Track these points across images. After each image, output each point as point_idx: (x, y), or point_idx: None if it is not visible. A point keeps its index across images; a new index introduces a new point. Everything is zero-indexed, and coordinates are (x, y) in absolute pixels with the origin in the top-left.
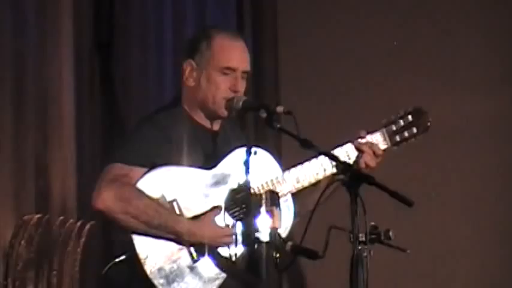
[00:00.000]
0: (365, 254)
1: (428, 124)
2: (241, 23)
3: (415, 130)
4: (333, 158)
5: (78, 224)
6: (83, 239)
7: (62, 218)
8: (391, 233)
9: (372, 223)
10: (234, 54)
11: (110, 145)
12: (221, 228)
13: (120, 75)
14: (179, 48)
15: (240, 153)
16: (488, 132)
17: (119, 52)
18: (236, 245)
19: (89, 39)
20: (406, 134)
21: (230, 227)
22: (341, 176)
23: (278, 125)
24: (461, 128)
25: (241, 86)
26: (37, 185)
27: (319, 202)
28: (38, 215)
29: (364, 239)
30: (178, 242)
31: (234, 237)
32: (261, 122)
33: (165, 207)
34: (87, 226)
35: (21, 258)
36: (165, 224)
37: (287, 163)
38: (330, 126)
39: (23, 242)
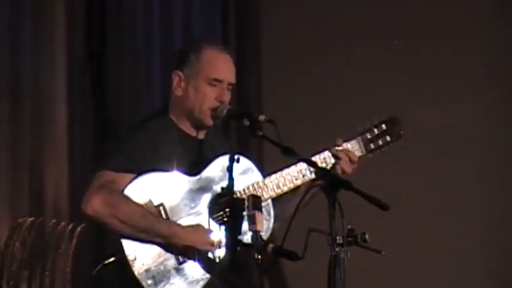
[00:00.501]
0: (342, 255)
1: (401, 132)
2: (226, 34)
3: (388, 138)
4: (312, 164)
5: (70, 226)
6: (74, 241)
7: (54, 220)
8: (367, 236)
9: (349, 226)
10: (221, 66)
11: (101, 150)
12: (207, 232)
13: (111, 82)
14: (167, 57)
15: (223, 160)
16: (469, 136)
17: (109, 60)
18: (220, 248)
19: (82, 48)
20: (380, 142)
21: (215, 232)
22: (320, 182)
23: (260, 133)
24: (441, 133)
25: (227, 96)
26: (31, 189)
27: (299, 207)
28: (32, 218)
29: (341, 241)
30: (166, 246)
31: (219, 241)
32: (244, 130)
33: (152, 211)
34: (79, 228)
35: (15, 259)
36: (152, 227)
37: (269, 169)
38: (310, 134)
39: (17, 244)
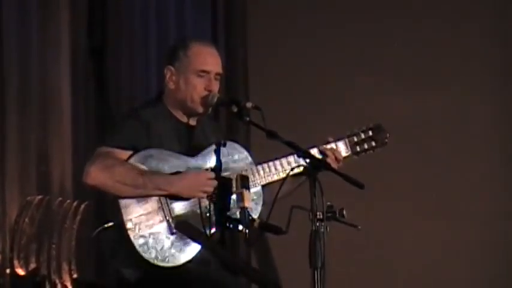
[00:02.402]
0: (322, 229)
1: (386, 140)
2: (215, 29)
3: (373, 144)
4: (296, 147)
5: (75, 204)
6: (78, 217)
7: (60, 199)
8: (344, 212)
9: (328, 203)
10: (207, 59)
11: (102, 136)
12: (201, 174)
13: (111, 75)
14: (162, 53)
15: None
16: (450, 126)
17: (110, 55)
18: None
19: (84, 44)
20: (365, 146)
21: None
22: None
23: (247, 118)
24: (417, 124)
25: (215, 86)
26: (39, 170)
27: (278, 193)
28: (40, 197)
29: (321, 217)
30: (162, 207)
31: (212, 182)
32: (233, 116)
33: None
34: (83, 206)
35: (24, 234)
36: (150, 181)
37: (255, 151)
38: (295, 120)
39: (26, 220)
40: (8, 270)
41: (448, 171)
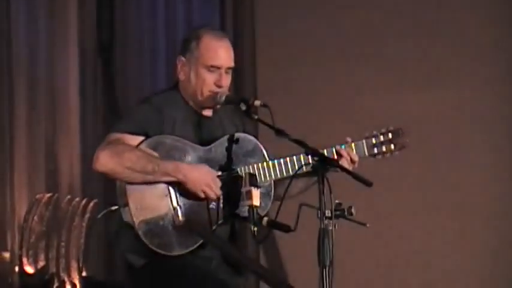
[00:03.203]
0: (331, 227)
1: (405, 146)
2: (223, 24)
3: (392, 147)
4: (304, 145)
5: (83, 202)
6: (87, 215)
7: (69, 196)
8: (353, 210)
9: (337, 201)
10: (218, 53)
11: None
12: (210, 173)
13: (119, 73)
14: (170, 50)
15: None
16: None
17: (118, 53)
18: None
19: (93, 42)
20: (383, 148)
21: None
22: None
23: (256, 116)
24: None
25: (226, 81)
26: (47, 168)
27: (287, 191)
28: (48, 194)
29: (330, 214)
30: (170, 194)
31: (216, 189)
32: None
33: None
34: (91, 204)
35: (34, 231)
36: (158, 167)
37: (264, 149)
38: (303, 118)
39: (35, 218)
40: (16, 268)
41: (458, 169)
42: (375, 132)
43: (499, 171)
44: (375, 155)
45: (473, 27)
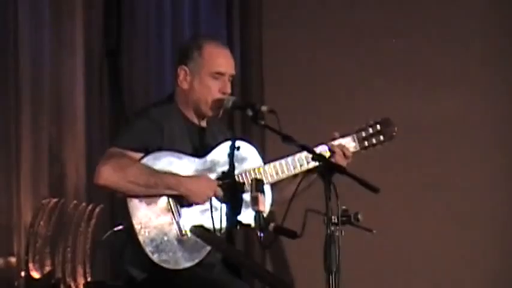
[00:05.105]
0: (337, 233)
1: (394, 134)
2: (230, 30)
3: (381, 138)
4: (311, 151)
5: (89, 207)
6: (93, 220)
7: (75, 202)
8: (359, 216)
9: (343, 207)
10: (222, 60)
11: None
12: (210, 182)
13: (126, 78)
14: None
15: (227, 145)
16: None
17: (124, 56)
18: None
19: (100, 46)
20: (373, 140)
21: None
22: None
23: (262, 122)
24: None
25: (229, 88)
26: (53, 173)
27: (296, 191)
28: (55, 199)
29: (336, 220)
30: (174, 199)
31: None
32: (248, 119)
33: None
34: (97, 209)
35: (40, 236)
36: (161, 181)
37: (271, 155)
38: (309, 125)
39: (41, 223)
40: (23, 273)
41: (462, 172)
42: (363, 125)
43: (503, 173)
44: (366, 148)
45: (473, 26)
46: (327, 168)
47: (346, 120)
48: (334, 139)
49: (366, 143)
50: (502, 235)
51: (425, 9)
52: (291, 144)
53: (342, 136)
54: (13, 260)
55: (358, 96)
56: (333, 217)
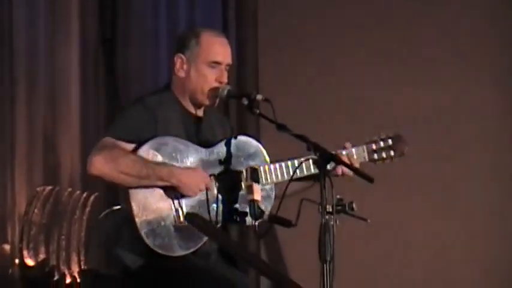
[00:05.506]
0: (332, 222)
1: (404, 151)
2: (225, 22)
3: (392, 153)
4: (305, 140)
5: (84, 195)
6: (88, 209)
7: (70, 189)
8: (354, 205)
9: (338, 196)
10: (219, 49)
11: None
12: (204, 177)
13: (121, 67)
14: (172, 45)
15: (236, 140)
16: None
17: (120, 45)
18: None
19: (94, 36)
20: (383, 154)
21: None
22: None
23: (257, 111)
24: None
25: (226, 77)
26: (47, 161)
27: (290, 182)
28: (49, 187)
29: (331, 209)
30: (168, 196)
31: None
32: (243, 108)
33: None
34: (92, 197)
35: (34, 224)
36: (153, 172)
37: (265, 144)
38: (305, 113)
39: (36, 210)
40: (17, 261)
41: (457, 166)
42: (375, 138)
43: (501, 170)
44: (375, 161)
45: (475, 24)
46: (321, 158)
47: (343, 110)
48: (345, 148)
49: (376, 156)
50: (498, 227)
51: (426, 3)
52: (286, 133)
53: (352, 146)
54: (7, 247)
55: (355, 87)
56: (327, 206)
